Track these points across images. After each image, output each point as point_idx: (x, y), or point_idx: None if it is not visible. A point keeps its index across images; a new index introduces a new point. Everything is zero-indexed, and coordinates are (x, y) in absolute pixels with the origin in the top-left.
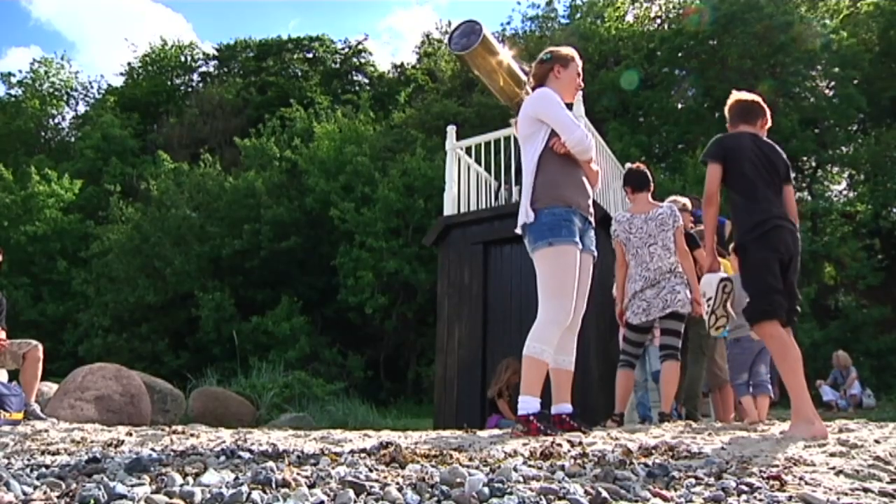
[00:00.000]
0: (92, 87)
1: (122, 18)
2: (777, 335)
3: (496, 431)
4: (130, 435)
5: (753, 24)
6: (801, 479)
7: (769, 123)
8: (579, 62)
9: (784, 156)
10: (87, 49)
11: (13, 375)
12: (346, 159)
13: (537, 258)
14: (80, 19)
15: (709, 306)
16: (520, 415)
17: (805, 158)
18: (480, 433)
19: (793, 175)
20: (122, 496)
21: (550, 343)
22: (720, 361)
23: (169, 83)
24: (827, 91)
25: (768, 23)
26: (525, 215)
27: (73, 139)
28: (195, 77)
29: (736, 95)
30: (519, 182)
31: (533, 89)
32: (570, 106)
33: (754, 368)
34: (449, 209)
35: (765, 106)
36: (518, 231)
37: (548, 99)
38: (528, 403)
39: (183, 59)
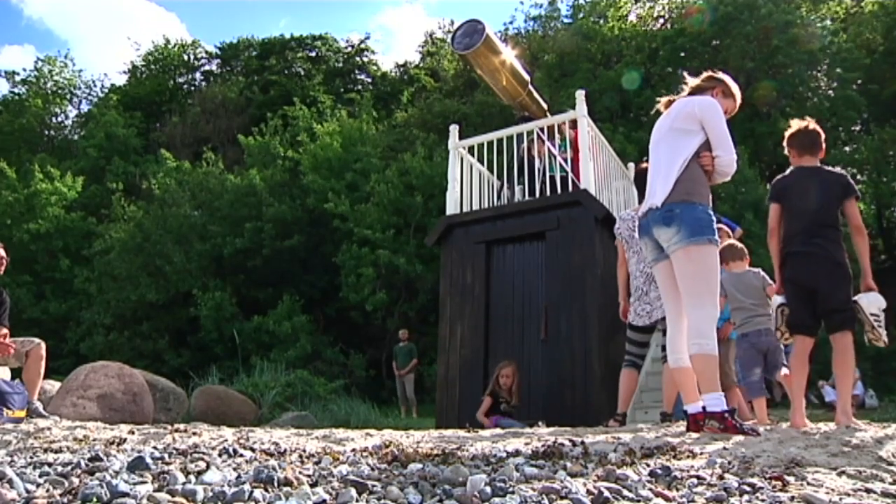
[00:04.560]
0: (95, 86)
1: (116, 17)
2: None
3: (498, 431)
4: (133, 433)
5: (751, 24)
6: (803, 479)
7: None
8: (735, 108)
9: (832, 176)
10: (80, 47)
11: (16, 373)
12: (353, 158)
13: (694, 251)
14: (72, 18)
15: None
16: (713, 412)
17: None
18: (482, 432)
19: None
20: (125, 494)
21: (712, 336)
22: (726, 365)
23: (172, 82)
24: (830, 92)
25: (767, 23)
26: (665, 196)
27: (76, 137)
28: (198, 76)
29: (793, 126)
30: (521, 182)
31: (691, 92)
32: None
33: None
34: (451, 209)
35: (815, 131)
36: (652, 206)
37: (719, 112)
38: (717, 400)
39: (185, 57)
